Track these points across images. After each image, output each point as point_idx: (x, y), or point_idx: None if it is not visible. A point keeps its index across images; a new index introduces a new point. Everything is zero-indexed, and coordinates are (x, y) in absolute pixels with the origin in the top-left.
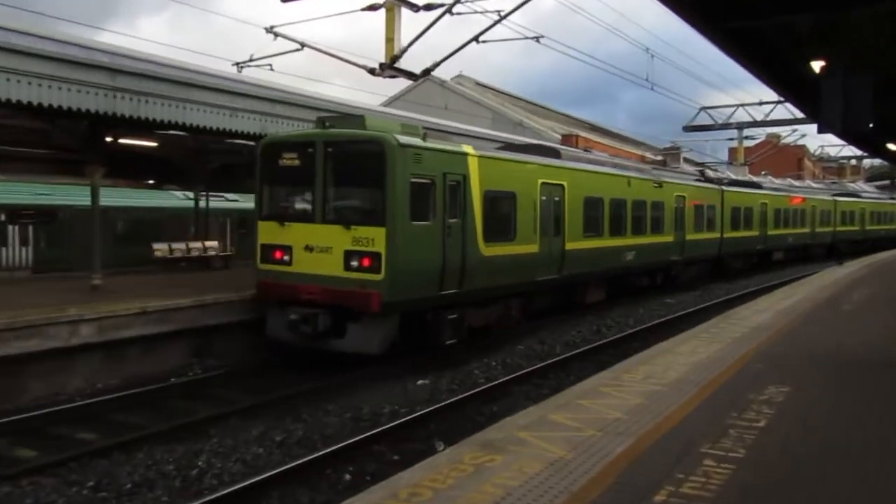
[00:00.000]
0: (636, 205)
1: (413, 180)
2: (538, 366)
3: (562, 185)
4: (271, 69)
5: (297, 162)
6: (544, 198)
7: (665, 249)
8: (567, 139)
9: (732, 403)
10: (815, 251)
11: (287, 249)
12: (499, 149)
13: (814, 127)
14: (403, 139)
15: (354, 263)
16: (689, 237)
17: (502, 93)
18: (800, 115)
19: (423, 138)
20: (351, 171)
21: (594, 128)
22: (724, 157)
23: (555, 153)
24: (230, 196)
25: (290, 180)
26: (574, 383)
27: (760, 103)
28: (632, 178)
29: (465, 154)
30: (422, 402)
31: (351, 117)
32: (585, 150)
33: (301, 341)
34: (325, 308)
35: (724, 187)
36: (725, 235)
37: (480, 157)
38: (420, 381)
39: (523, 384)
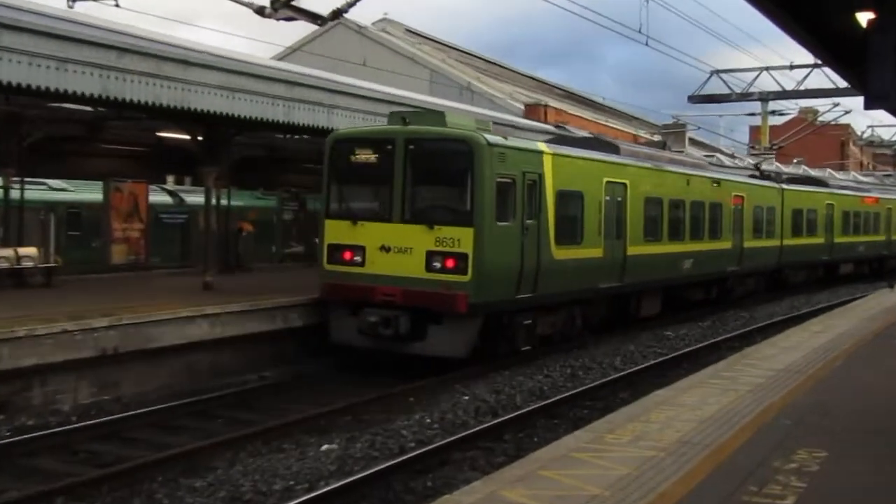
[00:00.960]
0: (694, 206)
1: (498, 180)
2: (489, 423)
3: (624, 185)
4: (117, 5)
5: (373, 159)
6: (608, 198)
7: (722, 258)
8: (532, 110)
9: (751, 474)
10: (890, 264)
11: (359, 250)
12: (550, 141)
13: (860, 100)
14: (491, 138)
15: (437, 264)
16: (746, 244)
17: (445, 45)
18: (842, 83)
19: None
20: (435, 169)
21: (570, 95)
22: (744, 138)
23: (613, 148)
24: (55, 183)
25: (365, 178)
26: (539, 447)
27: (791, 67)
28: (691, 177)
29: (541, 152)
30: (330, 474)
31: (431, 113)
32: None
33: (376, 345)
34: (405, 310)
35: (784, 185)
36: (786, 243)
37: (554, 154)
38: (326, 447)
39: (468, 449)
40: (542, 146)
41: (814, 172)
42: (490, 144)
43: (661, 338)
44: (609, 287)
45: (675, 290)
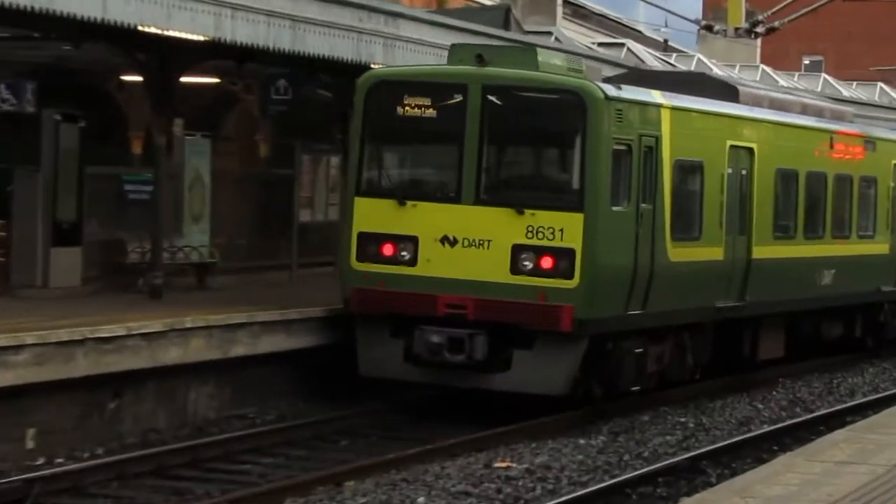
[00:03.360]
0: (839, 183)
1: (615, 147)
2: None
3: (750, 150)
4: None
5: (432, 112)
6: (730, 170)
7: (875, 270)
8: None
9: None
10: None
11: (408, 242)
12: (621, 79)
13: None
14: (608, 89)
15: (529, 264)
16: None
17: None
18: None
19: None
20: (528, 131)
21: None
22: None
23: (728, 91)
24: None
25: (420, 139)
26: None
27: None
28: (834, 134)
29: (659, 106)
30: None
31: (516, 50)
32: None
33: (435, 378)
34: (481, 328)
35: None
36: None
37: (673, 108)
38: None
39: None
40: (657, 96)
41: None
42: (608, 98)
43: (799, 402)
44: (726, 307)
45: (805, 322)
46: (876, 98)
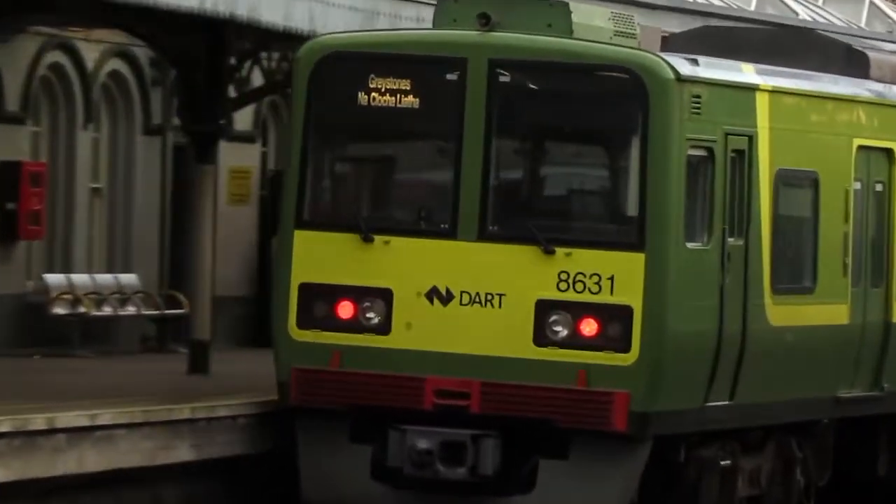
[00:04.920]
0: None
1: (690, 152)
2: None
3: (889, 153)
4: None
5: (412, 101)
6: (859, 185)
7: None
8: None
9: None
10: None
11: (378, 297)
12: (684, 42)
13: None
14: (681, 66)
15: (562, 331)
16: None
17: None
18: None
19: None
20: (559, 129)
21: None
22: None
23: (852, 58)
24: None
25: (392, 142)
26: None
27: None
28: None
29: (754, 88)
30: None
31: (540, 7)
32: None
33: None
34: (491, 426)
35: None
36: None
37: (775, 92)
38: None
39: None
40: (750, 72)
41: None
42: (681, 79)
43: None
44: (853, 399)
45: None
46: None
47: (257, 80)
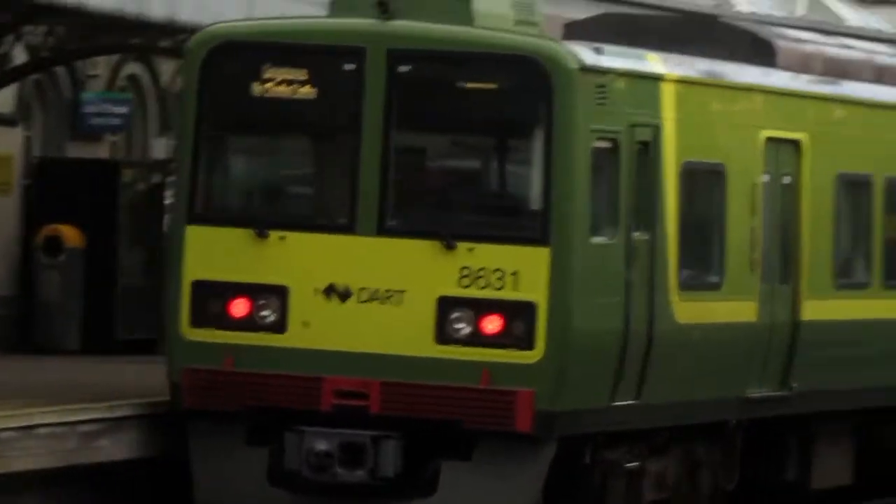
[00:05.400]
0: None
1: (595, 144)
2: None
3: (797, 144)
4: None
5: (308, 92)
6: (767, 178)
7: None
8: None
9: None
10: None
11: (274, 295)
12: (590, 29)
13: None
14: (585, 55)
15: (465, 328)
16: None
17: None
18: None
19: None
20: (460, 120)
21: None
22: None
23: (759, 47)
24: None
25: (287, 134)
26: None
27: None
28: None
29: (658, 78)
30: None
31: None
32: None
33: None
34: (391, 427)
35: None
36: None
37: (681, 82)
38: None
39: None
40: (655, 62)
41: None
42: (585, 68)
43: None
44: (761, 399)
45: (888, 428)
46: None
47: (20, 56)
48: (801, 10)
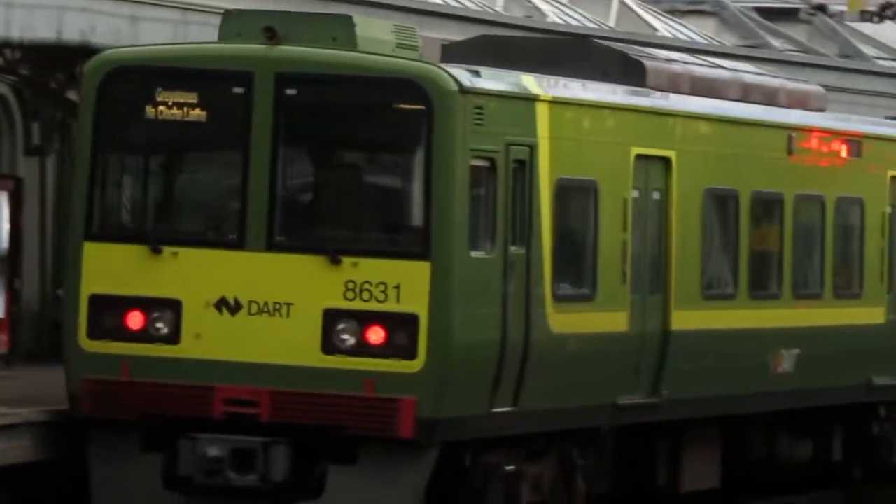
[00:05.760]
0: (803, 210)
1: (473, 163)
2: None
3: (666, 161)
4: None
5: (199, 114)
6: (637, 193)
7: (862, 350)
8: None
9: None
10: None
11: (167, 308)
12: (464, 53)
13: None
14: (464, 78)
15: (349, 339)
16: None
17: None
18: None
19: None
20: (345, 141)
21: None
22: None
23: (629, 67)
24: None
25: (180, 155)
26: None
27: None
28: (795, 131)
29: (534, 99)
30: None
31: (325, 20)
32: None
33: None
34: (280, 434)
35: None
36: None
37: (554, 103)
38: None
39: None
40: (530, 83)
41: None
42: (464, 90)
43: None
44: (632, 406)
45: (753, 434)
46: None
47: None
48: (612, 21)
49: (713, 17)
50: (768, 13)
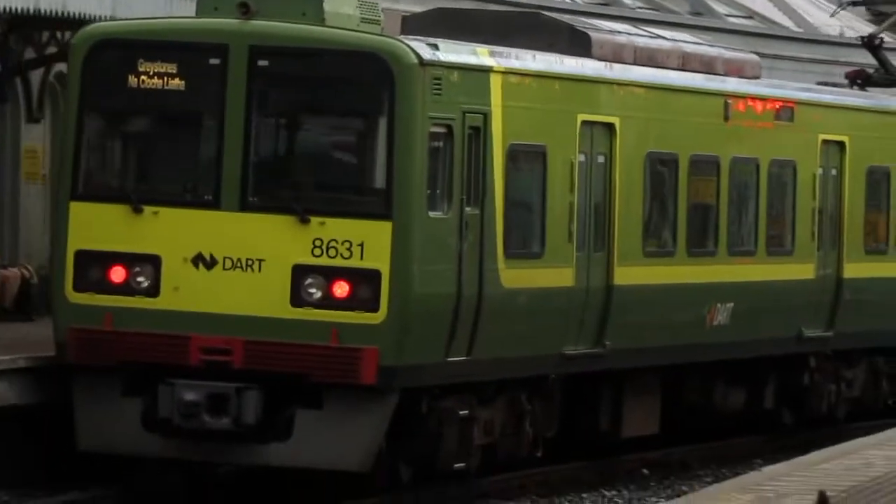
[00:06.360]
0: (738, 172)
1: (432, 129)
2: None
3: (611, 127)
4: None
5: (178, 84)
6: (583, 157)
7: (793, 303)
8: None
9: None
10: None
11: (148, 263)
12: (423, 25)
13: None
14: (423, 51)
15: (316, 292)
16: (850, 270)
17: None
18: None
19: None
20: (313, 109)
21: None
22: None
23: (576, 39)
24: None
25: (160, 121)
26: None
27: None
28: (730, 98)
29: (488, 70)
30: None
31: None
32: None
33: (191, 452)
34: (252, 380)
35: None
36: None
37: (507, 73)
38: None
39: None
40: (484, 55)
41: None
42: (423, 62)
43: None
44: (577, 355)
45: (690, 382)
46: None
47: None
48: None
49: None
50: None
